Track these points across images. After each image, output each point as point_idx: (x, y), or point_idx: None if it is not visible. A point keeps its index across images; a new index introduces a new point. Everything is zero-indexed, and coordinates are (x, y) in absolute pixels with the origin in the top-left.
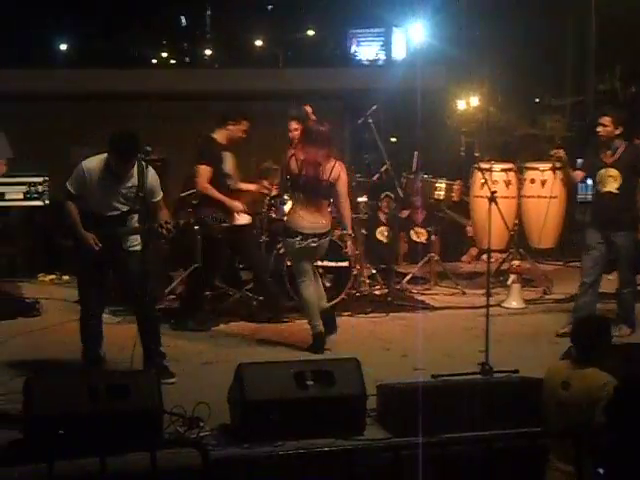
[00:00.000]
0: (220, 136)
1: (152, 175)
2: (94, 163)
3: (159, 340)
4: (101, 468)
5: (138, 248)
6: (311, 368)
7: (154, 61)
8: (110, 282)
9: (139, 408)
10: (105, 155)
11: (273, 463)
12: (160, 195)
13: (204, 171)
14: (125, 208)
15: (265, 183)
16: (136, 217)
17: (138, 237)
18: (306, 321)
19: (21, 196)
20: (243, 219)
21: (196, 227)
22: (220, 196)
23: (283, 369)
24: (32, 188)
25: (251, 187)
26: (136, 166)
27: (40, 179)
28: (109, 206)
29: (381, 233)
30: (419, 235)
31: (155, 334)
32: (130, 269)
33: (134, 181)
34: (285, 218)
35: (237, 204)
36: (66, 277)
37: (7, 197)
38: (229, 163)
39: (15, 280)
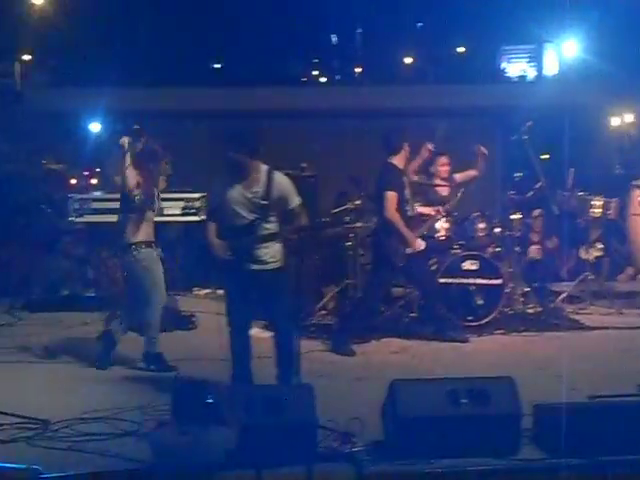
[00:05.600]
0: (398, 161)
1: (280, 182)
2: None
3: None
4: None
5: (277, 265)
6: (465, 386)
7: (304, 79)
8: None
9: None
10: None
11: None
12: (295, 202)
13: (392, 197)
14: (252, 216)
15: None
16: (270, 226)
17: (276, 253)
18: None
19: (178, 211)
20: (422, 245)
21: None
22: (405, 230)
23: (437, 386)
24: (189, 204)
25: (431, 211)
26: (263, 173)
27: (197, 195)
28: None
29: (534, 251)
30: (589, 253)
31: (292, 355)
32: (270, 288)
33: (258, 188)
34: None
35: (419, 242)
36: (220, 291)
37: (165, 212)
38: (407, 188)
39: (172, 293)
